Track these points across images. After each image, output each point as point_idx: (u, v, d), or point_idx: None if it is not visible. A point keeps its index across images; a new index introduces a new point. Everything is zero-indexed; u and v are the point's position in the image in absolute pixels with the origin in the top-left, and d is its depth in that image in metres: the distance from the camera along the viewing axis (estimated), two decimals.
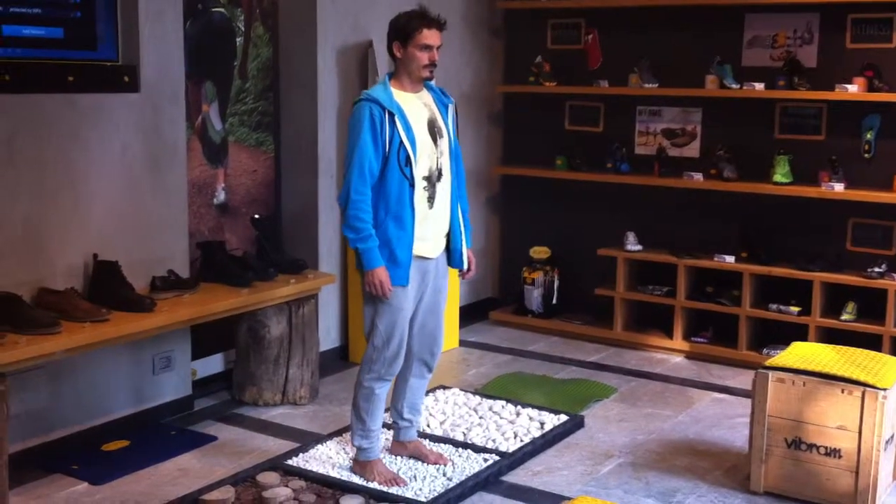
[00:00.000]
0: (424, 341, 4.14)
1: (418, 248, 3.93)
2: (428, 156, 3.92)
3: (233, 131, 5.41)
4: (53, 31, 4.29)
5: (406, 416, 4.27)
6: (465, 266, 4.16)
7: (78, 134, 4.36)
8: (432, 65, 3.92)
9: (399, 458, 4.32)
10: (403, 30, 3.89)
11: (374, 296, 3.89)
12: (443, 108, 4.04)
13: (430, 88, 4.04)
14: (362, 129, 3.78)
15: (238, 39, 5.39)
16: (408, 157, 3.83)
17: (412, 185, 3.85)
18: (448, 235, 4.09)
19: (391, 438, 4.39)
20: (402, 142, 3.81)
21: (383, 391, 4.07)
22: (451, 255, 4.11)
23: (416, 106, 3.93)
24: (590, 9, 6.48)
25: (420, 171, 3.88)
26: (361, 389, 4.05)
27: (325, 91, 5.56)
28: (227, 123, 5.36)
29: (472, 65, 6.71)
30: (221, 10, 5.26)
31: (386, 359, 3.98)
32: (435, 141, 3.95)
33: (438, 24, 3.92)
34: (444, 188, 3.99)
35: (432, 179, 3.94)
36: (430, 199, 3.94)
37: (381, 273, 3.82)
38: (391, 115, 3.81)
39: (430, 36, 3.88)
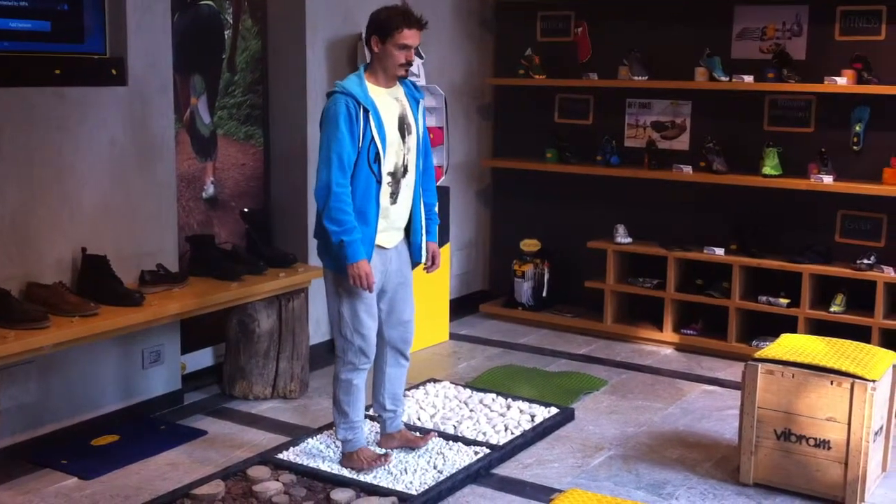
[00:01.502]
0: (395, 329, 4.17)
1: (376, 239, 3.95)
2: (395, 152, 3.94)
3: (221, 124, 5.39)
4: (40, 24, 4.27)
5: (389, 407, 4.29)
6: (425, 259, 4.20)
7: (65, 127, 4.34)
8: (408, 64, 3.93)
9: (390, 451, 4.32)
10: (383, 26, 3.89)
11: (341, 288, 3.92)
12: (413, 102, 4.05)
13: (402, 82, 4.04)
14: (339, 121, 3.79)
15: (226, 32, 5.36)
16: (377, 154, 3.85)
17: (378, 182, 3.87)
18: (408, 229, 4.11)
19: (379, 433, 4.39)
20: (373, 138, 3.83)
21: (361, 381, 4.10)
22: (412, 249, 4.15)
23: (388, 101, 3.94)
24: (580, 1, 6.48)
25: (386, 167, 3.91)
26: (340, 383, 4.08)
27: (315, 84, 5.54)
28: (215, 117, 5.34)
29: (463, 57, 6.69)
30: (210, 2, 5.24)
31: (358, 348, 4.01)
32: (403, 138, 3.97)
33: (419, 24, 3.93)
34: (407, 184, 4.02)
35: (397, 176, 3.96)
36: (394, 195, 3.97)
37: (366, 265, 3.84)
38: (366, 110, 3.82)
39: (409, 36, 3.88)
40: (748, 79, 5.81)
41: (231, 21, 5.38)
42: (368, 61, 4.01)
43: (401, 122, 3.96)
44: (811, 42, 5.83)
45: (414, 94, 4.06)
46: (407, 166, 4.00)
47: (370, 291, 3.90)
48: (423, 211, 4.15)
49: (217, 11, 5.29)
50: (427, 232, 4.21)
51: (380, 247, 3.97)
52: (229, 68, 5.39)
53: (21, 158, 4.18)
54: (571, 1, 6.51)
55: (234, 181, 5.49)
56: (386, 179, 3.91)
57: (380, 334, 4.14)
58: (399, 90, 4.01)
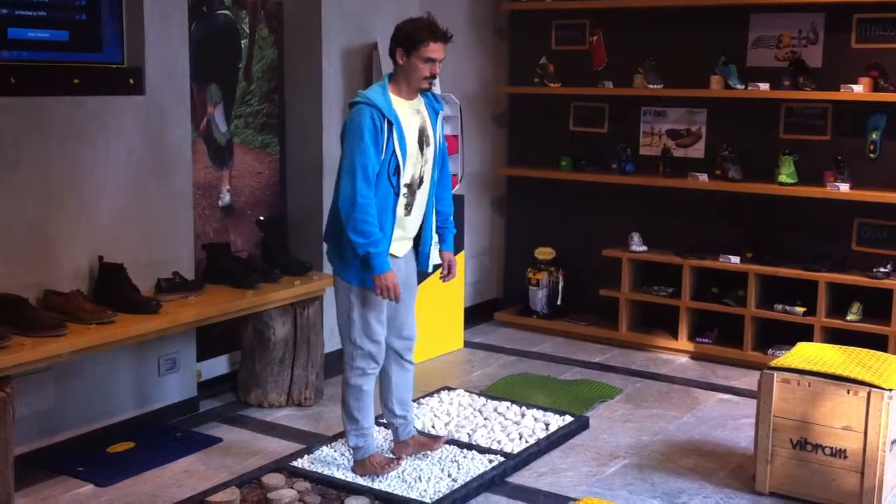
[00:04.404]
0: (400, 336, 4.18)
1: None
2: (413, 164, 3.93)
3: (238, 133, 5.42)
4: (59, 33, 4.30)
5: (399, 413, 4.29)
6: (442, 268, 4.20)
7: (83, 136, 4.37)
8: (433, 77, 3.92)
9: (404, 459, 4.32)
10: (409, 38, 3.87)
11: (351, 294, 3.93)
12: (433, 114, 4.04)
13: (422, 93, 4.03)
14: (364, 132, 3.78)
15: (243, 41, 5.39)
16: (397, 166, 3.85)
17: (396, 194, 3.88)
18: (418, 239, 4.12)
19: (393, 441, 4.39)
20: (394, 151, 3.83)
21: (371, 386, 4.10)
22: (419, 258, 4.15)
23: (409, 114, 3.93)
24: (594, 10, 6.48)
25: (404, 179, 3.91)
26: (349, 388, 4.08)
27: (330, 93, 5.56)
28: (232, 125, 5.37)
29: (477, 66, 6.71)
30: (226, 12, 5.27)
31: (368, 353, 4.01)
32: (422, 150, 3.97)
33: (445, 38, 3.91)
34: (422, 195, 4.02)
35: (413, 187, 3.97)
36: (408, 206, 3.97)
37: (393, 276, 3.84)
38: (390, 123, 3.81)
39: (435, 49, 3.87)
40: (764, 87, 5.80)
41: (247, 31, 5.41)
42: (391, 72, 3.99)
43: (420, 135, 3.96)
44: (827, 50, 5.81)
45: (434, 106, 4.06)
46: (423, 178, 4.00)
47: (398, 301, 3.90)
48: (434, 221, 4.15)
49: (234, 21, 5.32)
50: (443, 241, 4.21)
51: (391, 255, 3.97)
52: (245, 77, 5.42)
53: (39, 167, 4.21)
54: (586, 9, 6.51)
55: (249, 189, 5.51)
56: (402, 191, 3.92)
57: (388, 336, 4.14)
58: (420, 102, 4.01)
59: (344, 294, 4.01)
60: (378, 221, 3.83)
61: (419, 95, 4.01)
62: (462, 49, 6.52)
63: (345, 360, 4.09)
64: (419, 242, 4.13)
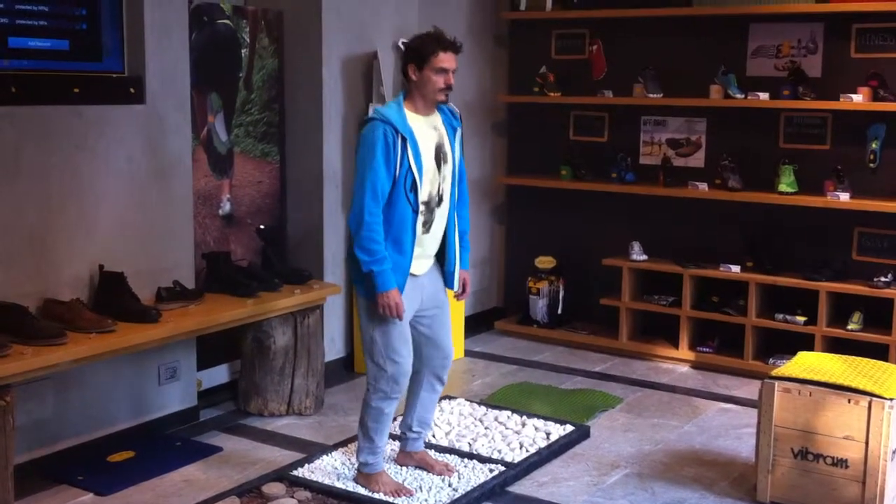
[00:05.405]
0: (436, 355, 4.13)
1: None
2: (430, 181, 3.91)
3: (238, 142, 5.42)
4: (59, 43, 4.31)
5: (415, 429, 4.27)
6: (456, 287, 4.16)
7: (84, 145, 4.37)
8: (448, 88, 3.89)
9: (405, 468, 4.32)
10: (419, 52, 3.87)
11: (374, 315, 3.89)
12: (451, 130, 4.02)
13: (440, 110, 4.01)
14: (376, 149, 3.76)
15: (243, 51, 5.40)
16: (414, 183, 3.83)
17: (415, 211, 3.85)
18: (442, 255, 4.08)
19: (397, 449, 4.38)
20: (410, 167, 3.80)
21: (392, 409, 4.05)
22: (445, 277, 4.12)
23: (426, 130, 3.91)
24: (594, 19, 6.49)
25: (422, 196, 3.88)
26: (370, 410, 4.02)
27: (331, 102, 5.57)
28: (232, 134, 5.37)
29: (477, 74, 6.72)
30: (227, 21, 5.28)
31: (391, 376, 3.95)
32: (439, 167, 3.94)
33: (454, 47, 3.91)
34: (441, 213, 3.99)
35: (431, 205, 3.94)
36: (426, 224, 3.94)
37: (396, 295, 3.81)
38: (404, 139, 3.79)
39: (446, 59, 3.86)
40: (763, 96, 5.80)
41: (248, 40, 5.41)
42: (406, 89, 3.96)
43: (437, 151, 3.93)
44: (826, 59, 5.82)
45: (452, 123, 4.03)
46: (442, 196, 3.97)
47: (400, 320, 3.87)
48: (457, 240, 4.10)
49: (234, 30, 5.33)
50: (459, 259, 4.16)
51: (412, 274, 3.93)
52: (246, 86, 5.42)
53: (39, 176, 4.21)
54: (586, 19, 6.52)
55: (250, 198, 5.51)
56: (420, 208, 3.88)
57: (419, 357, 4.09)
58: (437, 118, 3.98)
59: (366, 315, 3.95)
60: (398, 238, 3.81)
61: (436, 111, 3.98)
62: (462, 58, 6.44)
63: (368, 381, 4.02)
64: (444, 261, 4.09)
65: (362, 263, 3.79)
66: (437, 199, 3.95)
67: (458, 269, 4.13)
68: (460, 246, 4.16)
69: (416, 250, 3.92)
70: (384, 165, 3.76)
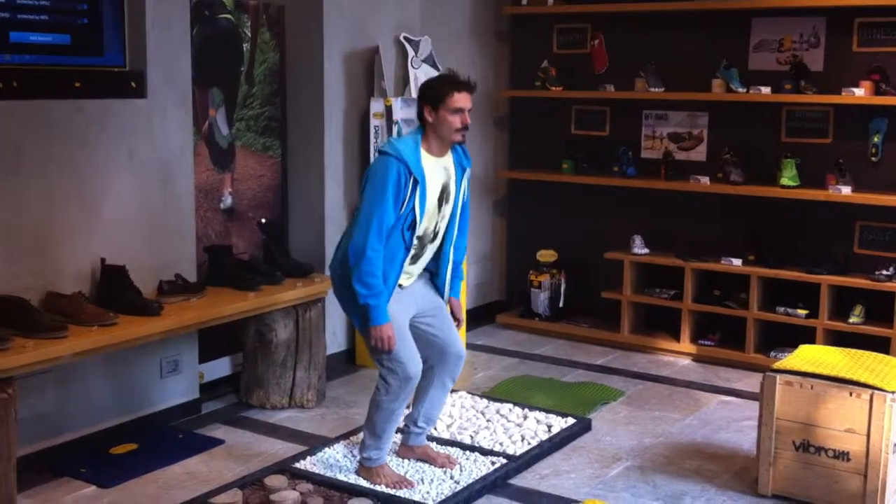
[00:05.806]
0: (450, 354, 4.14)
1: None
2: (429, 219, 3.92)
3: (240, 136, 5.42)
4: (61, 37, 4.31)
5: (420, 424, 4.28)
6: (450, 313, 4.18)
7: (85, 139, 4.38)
8: (465, 128, 3.89)
9: (406, 460, 4.33)
10: (433, 94, 3.87)
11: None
12: (459, 170, 4.02)
13: (453, 149, 4.00)
14: (387, 186, 3.75)
15: (245, 45, 5.40)
16: (413, 222, 3.84)
17: (407, 248, 3.87)
18: (434, 272, 4.11)
19: (399, 441, 4.39)
20: (413, 208, 3.81)
21: (403, 408, 4.07)
22: (435, 288, 4.14)
23: (436, 171, 3.91)
24: (596, 13, 6.49)
25: (417, 232, 3.89)
26: (380, 410, 4.02)
27: (332, 96, 5.57)
28: (233, 128, 5.37)
29: (479, 69, 6.71)
30: (228, 16, 5.28)
31: (402, 377, 3.95)
32: (440, 206, 3.95)
33: (469, 87, 3.91)
34: (432, 247, 4.02)
35: (424, 241, 3.96)
36: (415, 258, 3.96)
37: (389, 328, 3.82)
38: (415, 181, 3.79)
39: (461, 99, 3.86)
40: (765, 90, 5.80)
41: (249, 34, 5.42)
42: (423, 127, 3.94)
43: (442, 191, 3.94)
44: (829, 53, 5.82)
45: (462, 163, 4.03)
46: (437, 233, 3.99)
47: (391, 352, 3.87)
48: (451, 260, 4.11)
49: (235, 25, 5.33)
50: (451, 288, 4.17)
51: (401, 286, 3.95)
52: (247, 81, 5.43)
53: (41, 170, 4.21)
54: (588, 13, 6.52)
55: (251, 192, 5.52)
56: (413, 244, 3.90)
57: (434, 354, 4.11)
58: (449, 158, 3.98)
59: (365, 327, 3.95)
60: (384, 273, 3.82)
61: (449, 151, 3.98)
62: (463, 52, 6.53)
63: (379, 382, 4.02)
64: (435, 276, 4.12)
65: (359, 296, 3.80)
66: (431, 235, 3.98)
67: (449, 296, 4.17)
68: (454, 275, 4.17)
69: (402, 275, 3.94)
70: (392, 204, 3.77)
